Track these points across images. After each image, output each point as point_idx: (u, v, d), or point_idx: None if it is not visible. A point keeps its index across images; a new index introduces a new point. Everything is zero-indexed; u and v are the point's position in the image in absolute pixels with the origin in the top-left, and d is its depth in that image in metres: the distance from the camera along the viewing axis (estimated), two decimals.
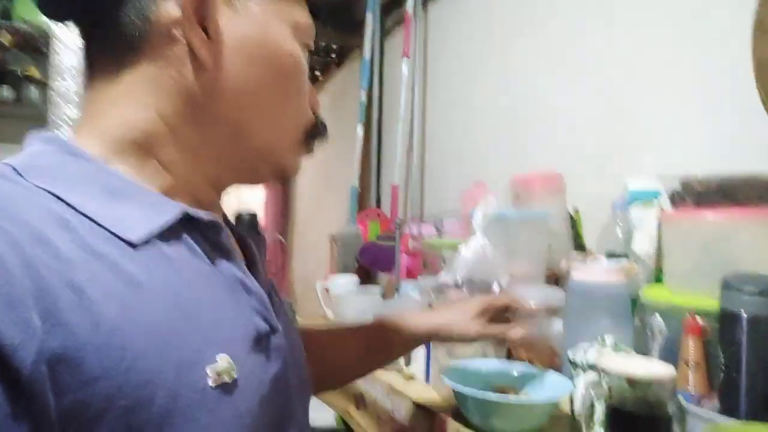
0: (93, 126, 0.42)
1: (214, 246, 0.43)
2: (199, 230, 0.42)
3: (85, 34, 0.43)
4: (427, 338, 0.72)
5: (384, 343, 0.71)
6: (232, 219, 0.56)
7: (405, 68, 1.90)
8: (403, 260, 1.52)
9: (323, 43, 2.29)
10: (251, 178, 0.49)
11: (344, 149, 2.22)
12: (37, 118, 1.33)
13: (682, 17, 1.02)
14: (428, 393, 0.82)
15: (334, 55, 2.49)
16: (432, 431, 0.74)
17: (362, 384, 0.96)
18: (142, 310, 0.34)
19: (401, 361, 0.88)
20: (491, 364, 0.78)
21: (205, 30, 0.40)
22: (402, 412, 0.81)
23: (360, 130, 2.15)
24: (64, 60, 1.13)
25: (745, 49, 0.85)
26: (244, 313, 0.42)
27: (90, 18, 0.42)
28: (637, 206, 1.00)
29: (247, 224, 1.92)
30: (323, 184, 2.67)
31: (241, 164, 0.46)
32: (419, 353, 0.88)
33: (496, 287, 0.81)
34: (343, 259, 1.85)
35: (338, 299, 1.24)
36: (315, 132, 0.51)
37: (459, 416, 0.70)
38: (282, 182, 0.64)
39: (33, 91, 2.55)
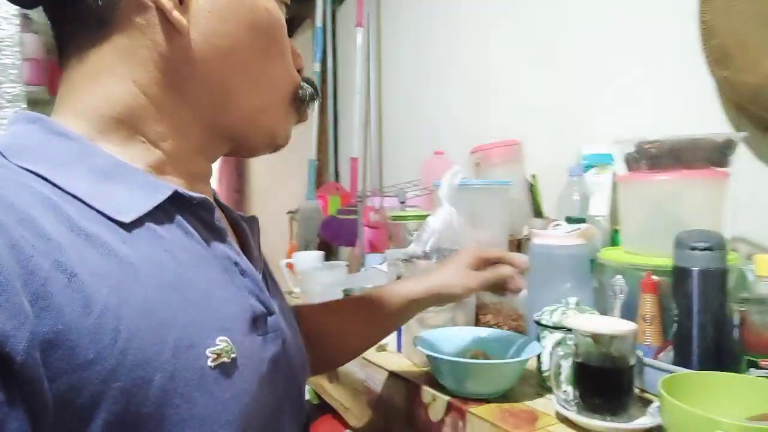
0: (71, 106, 0.40)
1: (207, 226, 0.42)
2: (192, 210, 0.41)
3: (53, 15, 0.41)
4: (429, 300, 0.70)
5: (384, 313, 0.69)
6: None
7: (359, 38, 1.87)
8: (365, 233, 1.53)
9: None
10: (242, 147, 0.48)
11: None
12: None
13: None
14: (401, 362, 0.83)
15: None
16: (407, 399, 0.76)
17: None
18: (135, 290, 0.34)
19: None
20: (461, 331, 0.80)
21: None
22: (376, 382, 0.83)
23: (315, 103, 2.10)
24: (0, 33, 1.04)
25: (692, 13, 0.88)
26: (240, 294, 0.42)
27: None
28: (591, 171, 1.04)
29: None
30: (279, 157, 2.62)
31: (229, 131, 0.45)
32: None
33: None
34: (304, 234, 1.84)
35: (304, 275, 1.24)
36: (304, 94, 0.49)
37: (433, 382, 0.72)
38: (274, 151, 0.62)
39: None
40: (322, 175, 2.18)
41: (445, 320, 0.82)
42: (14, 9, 1.08)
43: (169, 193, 0.39)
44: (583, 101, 1.15)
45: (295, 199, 2.13)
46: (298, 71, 0.49)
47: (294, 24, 2.34)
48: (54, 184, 0.35)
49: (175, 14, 0.39)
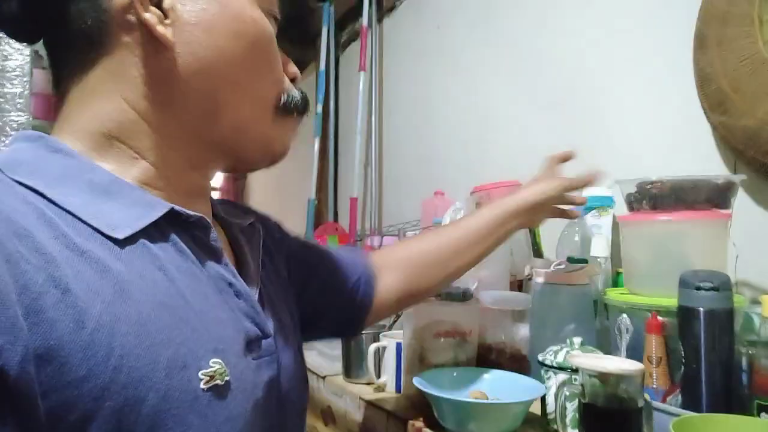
0: (69, 126, 0.41)
1: (202, 245, 0.42)
2: (187, 229, 0.41)
3: (47, 41, 0.42)
4: (525, 207, 0.74)
5: (486, 227, 0.72)
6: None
7: (361, 81, 1.91)
8: None
9: None
10: (238, 161, 0.47)
11: (300, 162, 2.21)
12: None
13: (631, 29, 1.08)
14: (401, 403, 0.81)
15: None
16: None
17: (330, 398, 0.95)
18: (129, 307, 0.33)
19: (371, 371, 0.87)
20: (462, 371, 0.78)
21: (161, 8, 0.40)
22: (374, 424, 0.80)
23: (317, 143, 2.14)
24: (11, 63, 1.06)
25: (689, 60, 0.91)
26: (234, 316, 0.41)
27: (47, 22, 0.41)
28: (592, 213, 1.04)
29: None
30: (279, 197, 2.63)
31: (221, 143, 0.44)
32: (389, 363, 0.87)
33: (466, 292, 0.82)
34: None
35: None
36: (288, 101, 0.48)
37: (433, 423, 0.70)
38: (272, 163, 0.60)
39: None
40: (320, 215, 2.19)
41: (447, 359, 0.80)
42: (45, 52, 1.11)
43: (164, 210, 0.39)
44: (582, 144, 1.17)
45: None
46: (293, 80, 0.49)
47: (298, 67, 2.40)
48: (50, 200, 0.35)
49: (160, 29, 0.39)
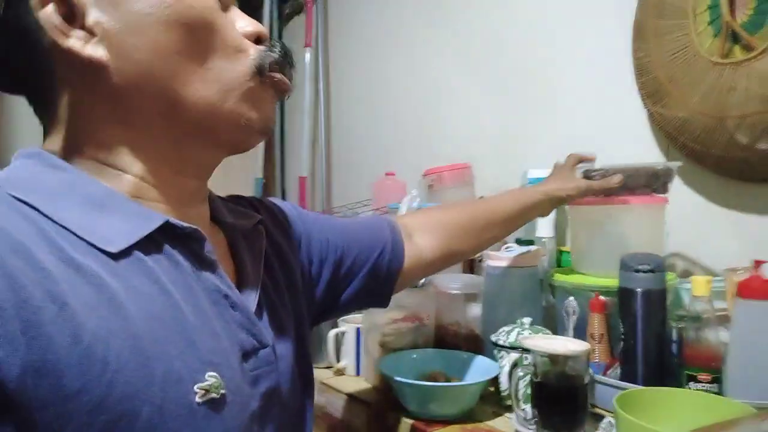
0: (58, 150, 0.41)
1: (197, 257, 0.41)
2: (181, 241, 0.41)
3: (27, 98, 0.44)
4: (546, 203, 0.78)
5: (509, 214, 0.75)
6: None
7: (307, 57, 1.87)
8: None
9: None
10: (222, 147, 0.45)
11: None
12: None
13: (575, 15, 1.11)
14: (360, 385, 0.83)
15: None
16: (368, 423, 0.76)
17: None
18: (124, 322, 0.34)
19: (331, 355, 0.89)
20: (421, 353, 0.82)
21: (86, 28, 0.39)
22: (336, 408, 0.82)
23: None
24: None
25: (628, 50, 0.96)
26: (229, 328, 0.41)
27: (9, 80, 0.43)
28: None
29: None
30: (223, 175, 2.56)
31: (196, 135, 0.43)
32: (349, 348, 0.89)
33: (421, 280, 0.85)
34: None
35: None
36: (262, 63, 0.44)
37: (395, 405, 0.73)
38: (264, 135, 0.57)
39: None
40: (268, 193, 2.15)
41: (405, 342, 0.83)
42: None
43: (158, 223, 0.39)
44: (528, 128, 1.21)
45: None
46: (259, 40, 0.45)
47: None
48: (46, 216, 0.35)
49: (87, 51, 0.38)
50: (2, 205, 0.34)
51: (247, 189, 2.10)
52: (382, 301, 0.67)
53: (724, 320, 0.70)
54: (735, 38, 0.79)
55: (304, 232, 0.60)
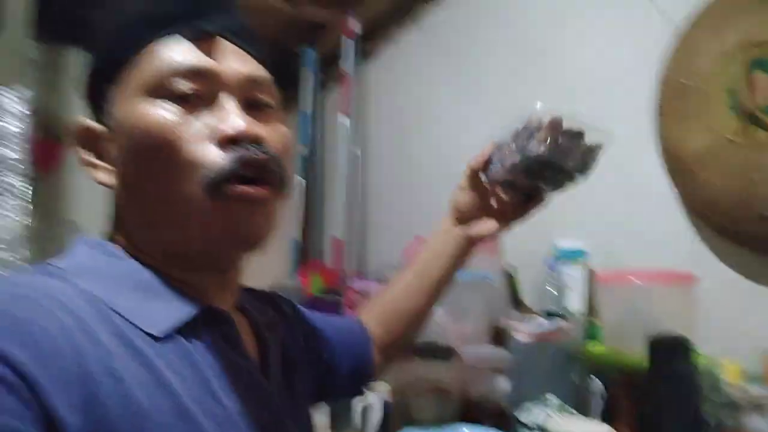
0: (115, 235, 0.48)
1: (226, 339, 0.46)
2: (215, 324, 0.45)
3: None
4: (451, 219, 0.73)
5: (427, 256, 0.73)
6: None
7: (344, 124, 1.96)
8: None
9: None
10: (216, 266, 0.48)
11: (285, 201, 2.23)
12: None
13: (603, 94, 1.15)
14: None
15: None
16: None
17: None
18: (166, 400, 0.38)
19: (358, 425, 0.89)
20: (446, 427, 0.81)
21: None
22: None
23: (302, 183, 2.17)
24: (9, 128, 1.08)
25: (651, 127, 0.98)
26: (252, 405, 0.44)
27: None
28: (566, 264, 1.09)
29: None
30: None
31: (196, 262, 0.46)
32: (376, 417, 0.89)
33: (448, 351, 0.85)
34: None
35: None
36: (215, 177, 0.41)
37: None
38: (247, 250, 0.59)
39: None
40: (304, 253, 2.21)
41: (430, 416, 0.82)
42: (22, 106, 1.13)
43: (195, 311, 0.43)
44: (557, 199, 1.23)
45: (272, 276, 2.13)
46: (232, 140, 0.41)
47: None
48: (104, 302, 0.40)
49: (100, 176, 0.46)
50: (73, 293, 0.39)
51: (283, 250, 2.16)
52: (362, 392, 0.75)
53: (762, 408, 0.68)
54: (756, 120, 0.80)
55: (304, 326, 0.65)
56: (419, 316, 0.74)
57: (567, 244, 1.11)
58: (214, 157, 0.41)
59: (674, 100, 0.90)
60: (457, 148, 1.62)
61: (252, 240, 0.44)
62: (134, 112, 0.42)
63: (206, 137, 0.42)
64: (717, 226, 0.88)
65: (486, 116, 1.45)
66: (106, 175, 0.46)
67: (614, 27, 1.12)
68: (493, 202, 0.70)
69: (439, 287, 0.73)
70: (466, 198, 0.71)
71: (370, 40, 1.98)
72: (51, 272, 0.41)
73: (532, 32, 1.33)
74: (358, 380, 0.71)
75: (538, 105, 0.60)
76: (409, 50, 1.80)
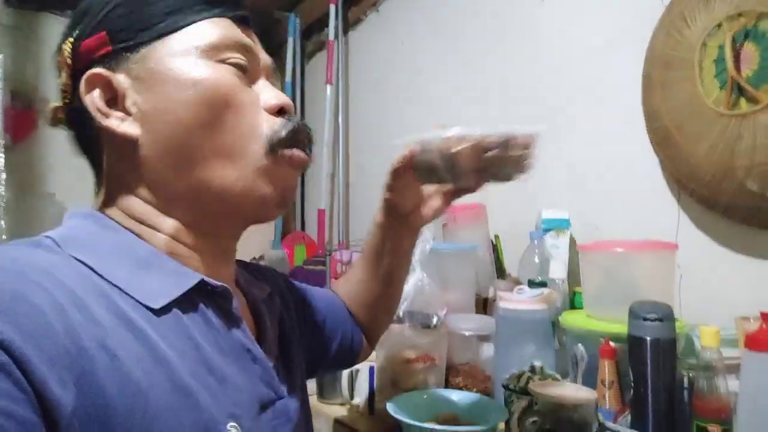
0: (106, 204, 0.46)
1: (225, 314, 0.45)
2: (212, 298, 0.45)
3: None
4: (385, 213, 0.68)
5: (374, 249, 0.70)
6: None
7: (327, 94, 1.93)
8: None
9: None
10: (242, 219, 0.48)
11: None
12: None
13: (590, 61, 1.15)
14: (373, 424, 0.85)
15: None
16: None
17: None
18: (163, 375, 0.37)
19: (345, 393, 0.91)
20: (432, 393, 0.83)
21: (126, 108, 0.45)
22: None
23: None
24: None
25: (639, 97, 0.98)
26: (250, 380, 0.45)
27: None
28: (550, 234, 1.11)
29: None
30: None
31: (219, 208, 0.46)
32: (363, 385, 0.91)
33: (435, 320, 0.87)
34: None
35: None
36: (275, 138, 0.46)
37: None
38: (283, 208, 0.59)
39: None
40: (287, 225, 2.20)
41: (417, 383, 0.84)
42: None
43: (194, 282, 0.43)
44: (542, 169, 1.23)
45: (257, 247, 2.13)
46: (282, 111, 0.47)
47: None
48: (99, 274, 0.39)
49: (122, 128, 0.44)
50: (65, 265, 0.38)
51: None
52: (351, 365, 0.78)
53: (735, 369, 0.71)
54: (741, 91, 0.81)
55: (296, 299, 0.66)
56: (382, 304, 0.75)
57: (551, 214, 1.12)
58: (274, 122, 0.47)
59: (661, 70, 0.91)
60: (441, 117, 1.62)
61: (289, 200, 0.49)
62: (196, 68, 0.44)
63: (258, 107, 0.47)
64: (699, 196, 0.90)
65: (470, 86, 1.44)
66: (127, 124, 0.44)
67: None
68: (429, 188, 0.68)
69: (397, 275, 0.73)
70: (389, 196, 0.68)
71: (353, 7, 1.94)
72: (41, 244, 0.40)
73: (519, 1, 1.31)
74: (347, 354, 0.73)
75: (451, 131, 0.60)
76: (392, 18, 1.77)
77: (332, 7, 1.92)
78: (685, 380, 0.72)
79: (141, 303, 0.39)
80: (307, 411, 0.56)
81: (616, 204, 1.07)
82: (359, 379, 0.92)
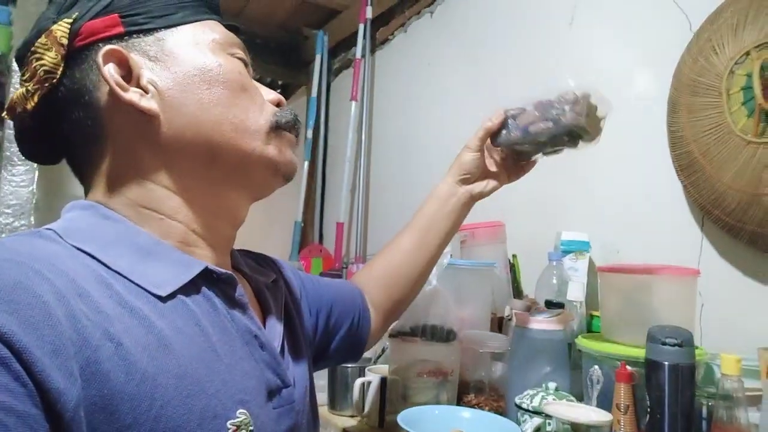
0: (102, 197, 0.46)
1: (230, 300, 0.46)
2: (218, 285, 0.45)
3: (67, 158, 0.50)
4: (455, 181, 0.77)
5: (428, 219, 0.76)
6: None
7: (352, 110, 1.96)
8: None
9: (269, 79, 2.32)
10: (253, 189, 0.51)
11: (288, 185, 2.23)
12: None
13: (614, 84, 1.14)
14: None
15: (279, 91, 2.53)
16: None
17: None
18: (170, 361, 0.37)
19: (356, 403, 0.90)
20: (443, 409, 0.82)
21: (141, 86, 0.46)
22: None
23: (305, 167, 2.17)
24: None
25: (663, 123, 0.98)
26: (258, 367, 0.45)
27: (58, 141, 0.48)
28: (569, 257, 1.10)
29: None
30: (265, 217, 2.66)
31: (232, 180, 0.49)
32: (374, 396, 0.90)
33: (449, 334, 0.86)
34: None
35: None
36: (278, 120, 0.52)
37: None
38: (285, 179, 0.63)
39: None
40: (306, 237, 2.22)
41: (429, 398, 0.84)
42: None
43: (199, 269, 0.44)
44: (563, 189, 1.23)
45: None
46: (278, 105, 0.54)
47: (288, 90, 2.45)
48: (102, 263, 0.40)
49: (144, 103, 0.45)
50: (67, 255, 0.38)
51: (287, 231, 2.17)
52: (357, 357, 0.77)
53: (756, 401, 0.69)
54: None
55: (303, 287, 0.67)
56: (420, 278, 0.78)
57: (571, 236, 1.11)
58: (276, 109, 0.53)
59: (688, 96, 0.91)
60: (462, 137, 1.62)
61: (292, 171, 0.53)
62: (201, 52, 0.48)
63: (263, 95, 0.53)
64: (723, 224, 0.88)
65: (495, 107, 1.45)
66: (146, 100, 0.45)
67: (631, 21, 1.12)
68: (492, 165, 0.78)
69: (440, 249, 0.78)
70: (472, 158, 0.77)
71: (381, 27, 1.98)
72: (42, 235, 0.40)
73: (546, 24, 1.32)
74: (353, 345, 0.73)
75: (572, 81, 0.68)
76: (419, 39, 1.80)
77: (361, 27, 1.96)
78: (704, 409, 0.71)
79: (147, 290, 0.40)
80: (313, 400, 0.56)
81: (637, 229, 1.06)
82: (370, 390, 0.91)
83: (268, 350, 0.47)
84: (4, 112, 0.48)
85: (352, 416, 0.92)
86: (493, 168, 0.78)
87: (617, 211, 1.11)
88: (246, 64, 0.52)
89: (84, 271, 0.37)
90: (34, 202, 1.12)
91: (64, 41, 0.45)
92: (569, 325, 0.91)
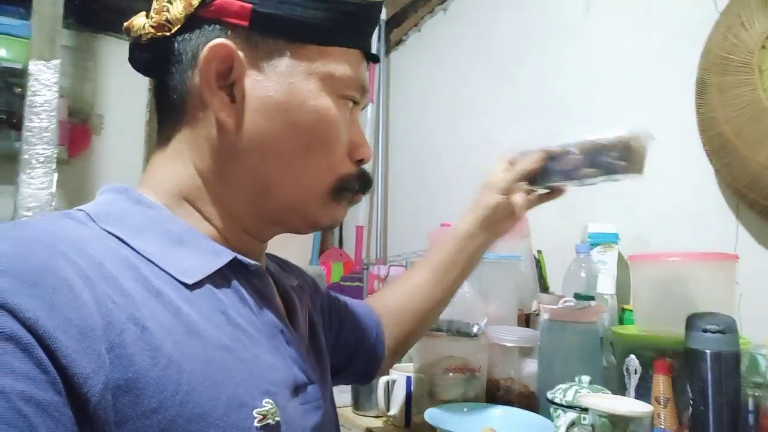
0: (150, 181, 0.45)
1: (258, 293, 0.45)
2: (246, 277, 0.44)
3: (156, 104, 0.48)
4: (479, 227, 0.73)
5: (446, 259, 0.73)
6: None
7: (369, 113, 1.95)
8: None
9: None
10: (288, 229, 0.50)
11: None
12: (11, 156, 1.29)
13: (637, 73, 1.12)
14: None
15: None
16: None
17: None
18: (196, 346, 0.36)
19: (381, 404, 0.88)
20: (472, 406, 0.79)
21: (232, 92, 0.43)
22: None
23: None
24: (38, 99, 1.10)
25: (691, 105, 0.94)
26: (284, 361, 0.44)
27: (154, 78, 0.47)
28: (597, 249, 1.06)
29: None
30: None
31: (273, 217, 0.47)
32: (399, 396, 0.88)
33: (475, 329, 0.83)
34: None
35: None
36: (343, 187, 0.48)
37: None
38: (327, 230, 0.64)
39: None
40: (325, 240, 2.20)
41: (456, 395, 0.81)
42: (53, 76, 1.15)
43: (228, 259, 0.42)
44: (585, 187, 1.20)
45: (298, 264, 2.13)
46: (360, 161, 0.50)
47: None
48: (131, 247, 0.39)
49: (221, 115, 0.43)
50: (95, 237, 0.38)
51: (307, 236, 2.16)
52: (365, 382, 0.76)
53: None
54: None
55: (324, 302, 0.66)
56: (433, 314, 0.76)
57: (598, 228, 1.08)
58: (349, 169, 0.48)
59: (717, 75, 0.87)
60: (480, 137, 1.60)
61: (335, 226, 0.53)
62: (308, 87, 0.44)
63: (346, 149, 0.48)
64: (760, 207, 0.84)
65: (513, 102, 1.43)
66: (225, 112, 0.43)
67: (652, 3, 1.08)
68: (520, 199, 0.72)
69: (455, 288, 0.76)
70: (499, 202, 0.73)
71: (395, 29, 1.97)
72: (71, 216, 0.39)
73: (560, 13, 1.30)
74: (367, 367, 0.72)
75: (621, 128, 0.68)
76: (433, 37, 1.78)
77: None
78: (750, 402, 0.67)
79: (174, 277, 0.39)
80: (334, 406, 0.55)
81: (668, 218, 1.02)
82: (395, 389, 0.89)
83: (294, 346, 0.46)
84: (124, 27, 0.46)
85: (377, 416, 0.90)
86: (519, 202, 0.72)
87: (645, 201, 1.07)
88: (356, 102, 0.48)
89: (111, 255, 0.37)
90: (53, 204, 1.13)
91: (195, 2, 0.42)
92: (601, 317, 0.88)
